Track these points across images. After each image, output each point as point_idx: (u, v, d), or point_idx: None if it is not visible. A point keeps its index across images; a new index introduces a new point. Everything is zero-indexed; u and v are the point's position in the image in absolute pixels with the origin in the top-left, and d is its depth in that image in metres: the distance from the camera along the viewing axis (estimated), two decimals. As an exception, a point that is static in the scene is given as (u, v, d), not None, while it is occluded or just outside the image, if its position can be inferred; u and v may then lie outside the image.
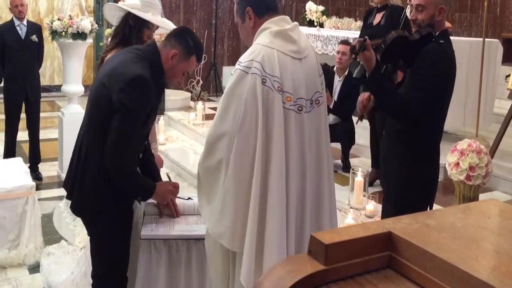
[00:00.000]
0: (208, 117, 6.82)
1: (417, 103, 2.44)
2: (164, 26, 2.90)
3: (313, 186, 2.08)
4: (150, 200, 2.47)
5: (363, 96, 2.76)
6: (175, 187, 2.53)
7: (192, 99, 8.22)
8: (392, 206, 2.62)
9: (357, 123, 2.94)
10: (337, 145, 5.12)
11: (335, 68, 4.94)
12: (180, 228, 2.43)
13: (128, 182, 2.27)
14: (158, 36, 4.01)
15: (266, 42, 2.00)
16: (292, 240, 2.00)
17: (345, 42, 5.03)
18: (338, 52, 5.01)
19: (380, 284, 1.03)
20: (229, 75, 9.02)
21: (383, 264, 1.09)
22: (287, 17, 2.14)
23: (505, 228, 1.14)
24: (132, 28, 2.71)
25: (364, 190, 3.89)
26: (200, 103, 6.78)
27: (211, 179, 2.03)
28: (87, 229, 2.44)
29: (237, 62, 2.03)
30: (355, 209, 3.77)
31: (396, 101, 2.50)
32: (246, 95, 1.93)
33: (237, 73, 1.98)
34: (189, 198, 2.68)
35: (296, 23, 2.14)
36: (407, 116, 2.49)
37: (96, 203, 2.29)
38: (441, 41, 2.51)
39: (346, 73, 4.95)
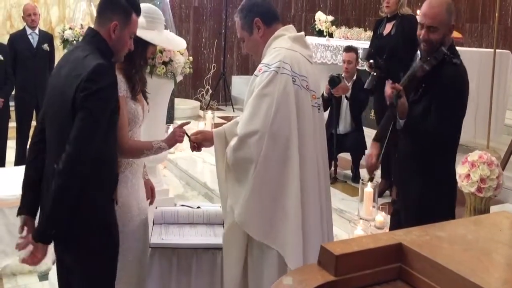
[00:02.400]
0: (216, 126, 6.83)
1: (444, 135, 2.45)
2: (172, 47, 2.74)
3: (324, 181, 2.22)
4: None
5: (369, 160, 2.68)
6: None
7: (201, 108, 8.25)
8: (416, 222, 2.54)
9: (368, 182, 2.95)
10: (347, 155, 5.11)
11: (342, 75, 4.92)
12: (189, 237, 2.43)
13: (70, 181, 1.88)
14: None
15: (288, 46, 2.14)
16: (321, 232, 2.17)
17: (348, 49, 4.97)
18: (343, 62, 4.98)
19: (390, 296, 1.02)
20: (238, 84, 9.02)
21: (393, 276, 1.09)
22: (293, 26, 2.29)
23: (516, 241, 1.14)
24: (137, 47, 2.29)
25: (374, 201, 3.87)
26: (209, 112, 6.81)
27: (238, 171, 2.10)
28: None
29: (263, 64, 2.11)
30: (365, 220, 3.75)
31: (427, 138, 2.47)
32: (277, 94, 2.04)
33: (267, 74, 2.07)
34: (198, 207, 2.68)
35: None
36: (439, 143, 2.48)
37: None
38: (455, 61, 2.46)
39: (354, 77, 4.93)
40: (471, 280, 0.95)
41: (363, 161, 5.24)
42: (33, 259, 1.97)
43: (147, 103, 2.39)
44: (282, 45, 2.15)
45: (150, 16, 2.44)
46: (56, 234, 1.93)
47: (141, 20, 2.30)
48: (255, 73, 2.14)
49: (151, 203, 2.54)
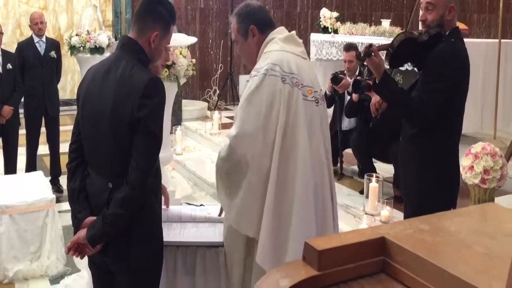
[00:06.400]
0: (224, 126, 6.87)
1: (431, 105, 2.40)
2: (177, 43, 2.75)
3: (327, 173, 2.26)
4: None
5: (375, 99, 2.76)
6: None
7: (209, 108, 8.29)
8: (416, 211, 2.55)
9: (371, 125, 2.94)
10: (353, 151, 5.10)
11: (345, 71, 4.92)
12: (191, 235, 2.47)
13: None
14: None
15: (278, 47, 2.19)
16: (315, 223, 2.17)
17: (348, 48, 4.95)
18: (344, 61, 4.98)
19: (372, 289, 1.05)
20: (245, 83, 9.05)
21: (376, 269, 1.11)
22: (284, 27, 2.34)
23: (499, 232, 1.15)
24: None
25: (379, 195, 3.88)
26: (216, 112, 6.85)
27: (232, 177, 2.16)
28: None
29: (253, 70, 2.18)
30: (370, 215, 3.76)
31: (410, 105, 2.47)
32: (266, 96, 2.09)
33: (256, 78, 2.13)
34: (201, 205, 2.72)
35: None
36: (423, 119, 2.46)
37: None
38: (452, 40, 2.47)
39: (357, 73, 4.93)
40: (449, 272, 0.97)
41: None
42: (82, 254, 2.02)
43: None
44: (272, 48, 2.21)
45: None
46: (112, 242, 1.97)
47: None
48: (247, 79, 2.22)
49: (166, 206, 2.60)
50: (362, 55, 2.45)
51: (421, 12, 2.55)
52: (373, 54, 2.44)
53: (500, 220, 1.22)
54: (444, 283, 0.97)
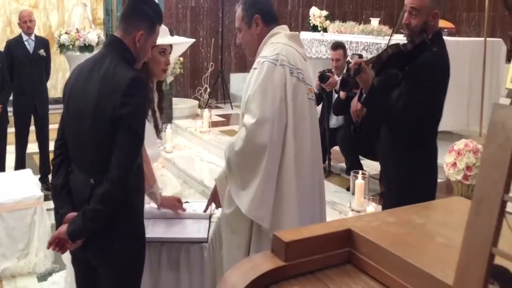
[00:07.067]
0: (214, 124, 6.90)
1: (413, 117, 2.45)
2: (168, 41, 2.76)
3: (318, 173, 2.33)
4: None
5: (355, 106, 2.82)
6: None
7: (199, 107, 8.32)
8: (395, 205, 2.61)
9: (353, 131, 2.99)
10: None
11: (332, 70, 4.96)
12: (176, 231, 2.50)
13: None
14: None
15: (285, 42, 2.25)
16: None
17: (335, 47, 5.00)
18: (332, 60, 5.02)
19: (337, 278, 1.09)
20: (236, 82, 9.05)
21: (343, 260, 1.15)
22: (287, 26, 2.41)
23: (462, 224, 1.18)
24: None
25: (365, 192, 3.93)
26: (206, 110, 6.87)
27: (249, 166, 2.15)
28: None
29: (261, 57, 2.21)
30: (356, 211, 3.80)
31: (395, 118, 2.52)
32: (278, 82, 2.14)
33: (266, 65, 2.16)
34: (186, 202, 2.75)
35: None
36: (404, 129, 2.52)
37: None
38: (435, 49, 2.50)
39: (344, 70, 4.96)
40: (408, 261, 1.01)
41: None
42: (63, 249, 2.03)
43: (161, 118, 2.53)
44: (279, 40, 2.26)
45: None
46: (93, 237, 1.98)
47: None
48: (253, 66, 2.23)
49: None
50: (352, 72, 2.51)
51: (405, 15, 2.56)
52: (362, 71, 2.50)
53: (463, 213, 1.25)
54: (404, 272, 1.01)
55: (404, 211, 1.27)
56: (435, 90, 2.48)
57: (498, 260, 0.80)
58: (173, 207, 2.58)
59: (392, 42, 2.85)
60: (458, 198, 1.35)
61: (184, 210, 2.60)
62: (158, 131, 2.49)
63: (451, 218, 1.23)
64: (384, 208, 2.86)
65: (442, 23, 9.09)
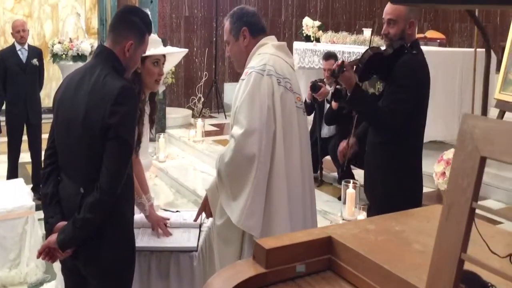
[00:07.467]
0: (208, 133, 6.93)
1: (397, 113, 2.55)
2: (161, 51, 2.79)
3: (309, 183, 2.35)
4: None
5: (342, 145, 2.90)
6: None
7: (193, 116, 8.34)
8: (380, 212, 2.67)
9: (341, 172, 3.05)
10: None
11: (324, 80, 5.00)
12: (166, 240, 2.51)
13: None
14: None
15: (272, 52, 2.28)
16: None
17: (327, 57, 5.06)
18: (324, 70, 5.06)
19: (317, 285, 1.11)
20: (230, 91, 9.07)
21: (323, 267, 1.17)
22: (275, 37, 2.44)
23: (440, 230, 1.22)
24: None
25: (356, 201, 3.95)
26: (199, 120, 6.90)
27: (238, 177, 2.16)
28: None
29: (248, 68, 2.25)
30: (347, 220, 3.82)
31: (380, 116, 2.61)
32: (266, 93, 2.16)
33: (253, 75, 2.19)
34: (177, 211, 2.77)
35: None
36: (390, 126, 2.59)
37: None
38: (414, 52, 2.64)
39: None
40: (385, 267, 1.03)
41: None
42: (53, 259, 2.04)
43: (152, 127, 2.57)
44: (266, 51, 2.29)
45: None
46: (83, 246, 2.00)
47: None
48: (241, 77, 2.26)
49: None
50: (336, 71, 2.61)
51: (384, 26, 2.71)
52: (345, 69, 2.59)
53: (442, 220, 1.29)
54: (381, 278, 1.03)
55: (383, 218, 1.29)
56: (414, 88, 2.56)
57: (469, 266, 0.83)
58: (157, 224, 2.56)
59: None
60: (437, 206, 1.38)
61: (168, 235, 2.56)
62: (138, 145, 2.47)
63: (428, 226, 1.25)
64: (368, 215, 2.91)
65: (433, 34, 9.20)
